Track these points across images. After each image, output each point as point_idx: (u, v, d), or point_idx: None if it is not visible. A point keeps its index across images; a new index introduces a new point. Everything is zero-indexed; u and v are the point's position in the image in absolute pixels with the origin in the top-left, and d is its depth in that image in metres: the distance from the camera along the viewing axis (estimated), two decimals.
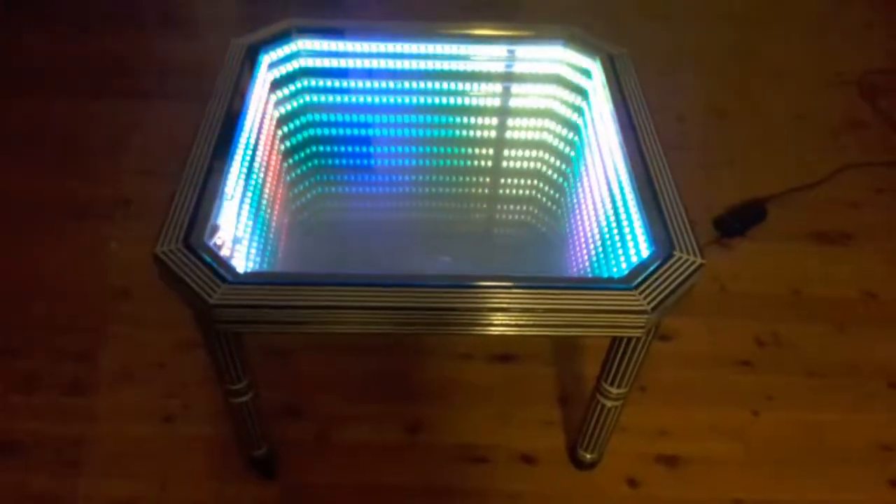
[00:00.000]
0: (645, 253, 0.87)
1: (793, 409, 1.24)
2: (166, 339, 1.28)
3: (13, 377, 1.24)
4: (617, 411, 1.01)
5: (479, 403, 1.23)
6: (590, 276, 1.02)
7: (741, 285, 1.44)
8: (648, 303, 0.80)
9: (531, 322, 0.82)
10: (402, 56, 1.20)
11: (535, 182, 1.29)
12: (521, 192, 1.30)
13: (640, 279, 0.82)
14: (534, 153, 1.29)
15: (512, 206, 1.32)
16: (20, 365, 1.26)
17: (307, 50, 1.18)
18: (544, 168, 1.28)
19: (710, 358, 1.31)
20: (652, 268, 0.83)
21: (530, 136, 1.28)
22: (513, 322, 0.82)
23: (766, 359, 1.31)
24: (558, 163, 1.26)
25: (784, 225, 1.56)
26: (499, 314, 0.81)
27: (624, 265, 0.94)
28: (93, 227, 1.49)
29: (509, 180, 1.32)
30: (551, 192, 1.25)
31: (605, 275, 0.97)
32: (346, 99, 1.24)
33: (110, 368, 1.25)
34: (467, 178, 1.31)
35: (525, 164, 1.30)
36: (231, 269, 0.81)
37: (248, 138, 1.04)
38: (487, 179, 1.32)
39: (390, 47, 1.19)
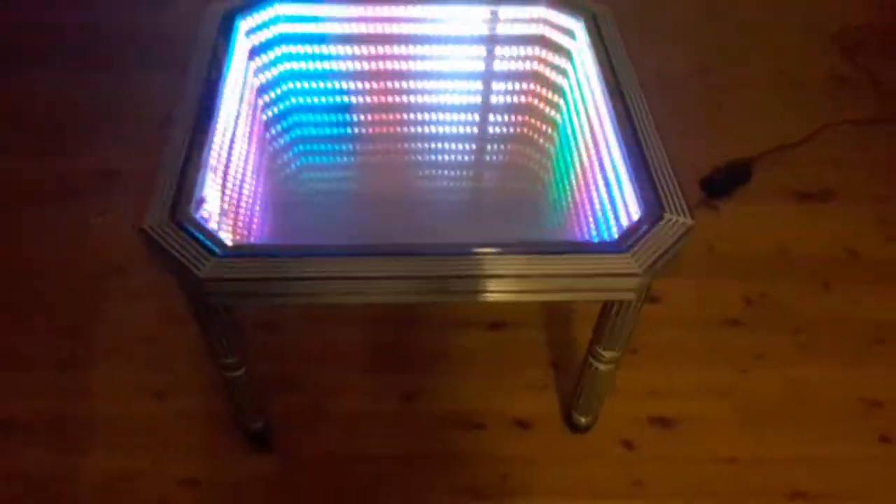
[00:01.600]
0: (635, 215, 0.87)
1: (781, 367, 1.25)
2: (156, 314, 1.27)
3: (5, 356, 1.23)
4: (610, 374, 1.02)
5: (472, 370, 1.23)
6: (581, 240, 1.02)
7: (728, 246, 1.44)
8: (640, 265, 0.80)
9: (524, 288, 0.82)
10: (381, 20, 1.18)
11: (522, 147, 1.27)
12: (507, 157, 1.29)
13: (630, 242, 0.82)
14: (519, 118, 1.27)
15: (499, 173, 1.31)
16: (12, 343, 1.25)
17: (285, 15, 1.16)
18: (530, 132, 1.27)
19: (698, 318, 1.32)
20: (642, 230, 0.83)
21: (515, 99, 1.26)
22: (506, 289, 0.82)
23: (754, 318, 1.33)
24: (545, 126, 1.25)
25: (769, 184, 1.57)
26: (492, 281, 0.81)
27: (614, 228, 0.93)
28: (79, 204, 1.47)
29: (495, 146, 1.30)
30: (538, 156, 1.24)
31: (596, 238, 0.97)
32: (326, 65, 1.22)
33: (102, 344, 1.24)
34: (452, 145, 1.29)
35: (510, 130, 1.28)
36: (220, 242, 0.80)
37: (229, 108, 1.01)
38: (473, 146, 1.30)
39: (370, 11, 1.17)
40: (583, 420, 1.13)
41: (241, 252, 0.81)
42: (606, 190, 0.97)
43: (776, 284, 1.38)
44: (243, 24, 1.10)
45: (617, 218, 0.92)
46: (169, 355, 1.23)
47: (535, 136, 1.26)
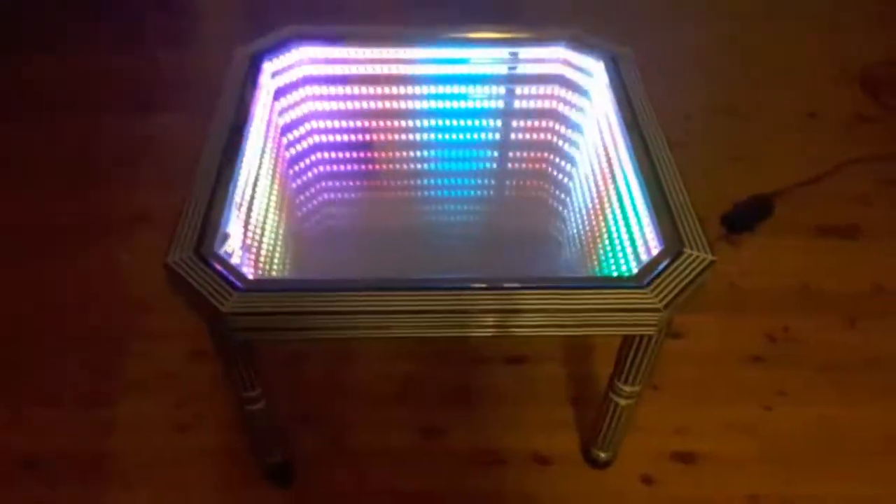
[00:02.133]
0: (655, 251, 0.87)
1: (806, 404, 1.23)
2: (179, 350, 1.28)
3: (31, 392, 1.24)
4: (630, 409, 1.01)
5: (492, 406, 1.22)
6: (601, 275, 1.02)
7: (750, 281, 1.44)
8: (660, 300, 0.80)
9: (545, 322, 0.82)
10: (404, 61, 1.21)
11: (542, 183, 1.29)
12: (527, 193, 1.30)
13: (651, 277, 0.82)
14: (539, 154, 1.29)
15: (519, 208, 1.32)
16: (38, 380, 1.26)
17: (309, 57, 1.19)
18: (550, 169, 1.28)
19: (721, 354, 1.30)
20: (662, 265, 0.83)
21: (535, 137, 1.28)
22: (527, 323, 0.82)
23: (778, 354, 1.31)
24: (564, 163, 1.26)
25: (792, 220, 1.56)
26: (513, 316, 0.81)
27: (634, 264, 0.94)
28: (105, 242, 1.50)
29: (515, 182, 1.32)
30: (558, 192, 1.26)
31: (617, 274, 0.97)
32: (349, 105, 1.24)
33: (126, 380, 1.26)
34: (473, 181, 1.31)
35: (530, 166, 1.30)
36: (242, 277, 0.81)
37: (255, 147, 1.04)
38: (493, 181, 1.32)
39: (392, 53, 1.20)
40: (602, 455, 1.12)
41: (263, 287, 0.83)
42: (626, 226, 0.97)
43: (800, 320, 1.36)
44: (268, 66, 1.14)
45: (637, 254, 0.92)
46: (191, 391, 1.24)
47: (555, 172, 1.27)
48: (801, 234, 1.54)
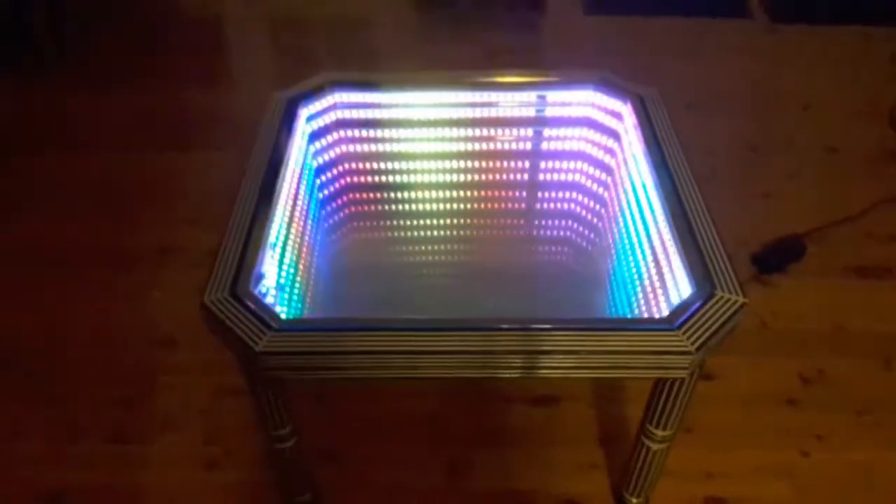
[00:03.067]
0: (686, 293, 0.87)
1: (843, 449, 1.21)
2: (207, 386, 1.30)
3: (58, 426, 1.26)
4: (663, 454, 1.00)
5: (520, 446, 1.22)
6: (631, 316, 1.02)
7: (782, 322, 1.42)
8: (692, 343, 0.80)
9: (574, 364, 0.82)
10: (434, 105, 1.23)
11: (571, 223, 1.29)
12: (557, 233, 1.31)
13: (682, 319, 0.82)
14: (568, 195, 1.30)
15: (549, 248, 1.33)
16: (64, 414, 1.28)
17: (342, 102, 1.22)
18: (579, 209, 1.29)
19: (754, 397, 1.28)
20: (694, 307, 0.83)
21: (564, 178, 1.29)
22: (557, 365, 0.82)
23: (812, 397, 1.29)
24: (593, 204, 1.27)
25: (823, 260, 1.55)
26: (541, 357, 0.81)
27: (664, 305, 0.93)
28: (137, 277, 1.53)
29: (545, 222, 1.32)
30: (587, 233, 1.26)
31: (647, 316, 0.97)
32: (380, 148, 1.27)
33: (153, 416, 1.27)
34: (503, 221, 1.32)
35: (560, 206, 1.30)
36: (276, 317, 0.82)
37: (289, 188, 1.06)
38: (523, 222, 1.33)
39: (422, 98, 1.22)
40: (634, 501, 1.10)
41: (295, 327, 0.84)
42: (656, 267, 0.97)
43: (834, 361, 1.34)
44: (304, 111, 1.17)
45: (667, 296, 0.92)
46: (220, 427, 1.24)
47: (584, 213, 1.28)
48: (834, 274, 1.53)
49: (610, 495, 1.15)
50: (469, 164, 1.28)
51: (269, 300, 0.89)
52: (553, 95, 1.22)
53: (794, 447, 1.21)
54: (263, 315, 0.82)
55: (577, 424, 1.25)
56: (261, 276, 0.91)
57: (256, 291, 0.87)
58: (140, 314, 1.45)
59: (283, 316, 0.84)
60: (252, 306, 0.83)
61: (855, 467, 1.18)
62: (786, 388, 1.30)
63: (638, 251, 1.05)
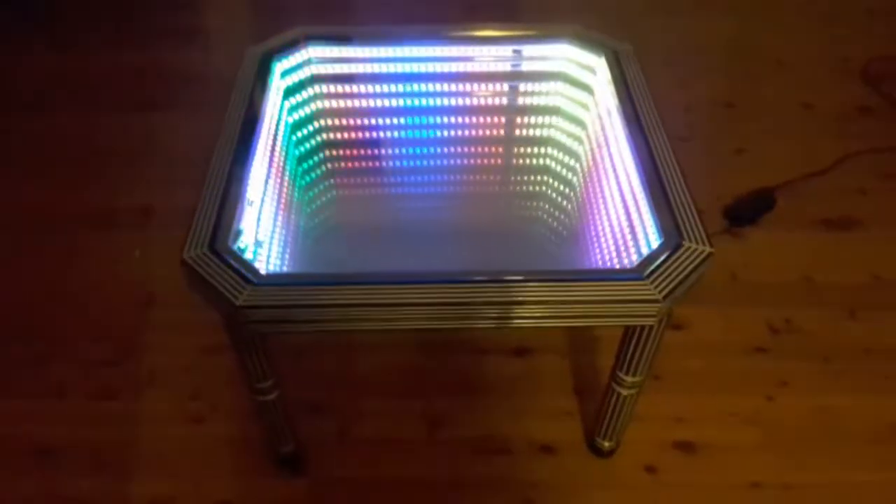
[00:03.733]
0: (655, 244, 0.89)
1: (808, 394, 1.26)
2: (191, 343, 1.32)
3: (44, 384, 1.28)
4: (632, 399, 1.04)
5: (497, 396, 1.25)
6: (602, 267, 1.05)
7: (752, 273, 1.46)
8: (659, 292, 0.83)
9: (546, 314, 0.85)
10: (409, 59, 1.23)
11: (545, 178, 1.31)
12: (531, 188, 1.32)
13: (650, 269, 0.84)
14: (542, 150, 1.31)
15: (523, 202, 1.35)
16: (50, 372, 1.29)
17: (317, 57, 1.21)
18: (553, 164, 1.30)
19: (723, 345, 1.33)
20: (662, 258, 0.85)
21: (538, 133, 1.30)
22: (528, 315, 0.85)
23: (780, 345, 1.33)
24: (567, 158, 1.28)
25: (793, 213, 1.58)
26: (517, 307, 0.84)
27: (635, 256, 0.96)
28: (116, 237, 1.53)
29: (519, 177, 1.34)
30: (561, 187, 1.28)
31: (617, 266, 1.00)
32: (356, 103, 1.27)
33: (138, 373, 1.29)
34: (478, 176, 1.34)
35: (534, 161, 1.32)
36: (255, 272, 0.84)
37: (265, 145, 1.07)
38: (497, 177, 1.34)
39: (398, 51, 1.22)
40: (606, 445, 1.15)
41: (275, 281, 0.86)
42: (627, 219, 1.00)
43: (801, 312, 1.39)
44: (279, 66, 1.16)
45: (637, 247, 0.95)
46: (204, 383, 1.27)
47: (558, 167, 1.30)
48: (803, 226, 1.56)
49: (583, 441, 1.19)
50: (445, 118, 1.29)
51: (248, 256, 0.91)
52: (529, 49, 1.23)
53: (760, 393, 1.26)
54: (243, 270, 0.84)
55: (551, 375, 1.29)
56: (239, 233, 0.92)
57: (235, 247, 0.88)
58: (121, 274, 1.46)
59: (262, 271, 0.86)
60: (231, 261, 0.85)
61: (817, 411, 1.23)
62: (754, 337, 1.34)
63: (610, 204, 1.07)
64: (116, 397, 1.26)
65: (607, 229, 1.06)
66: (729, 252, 1.48)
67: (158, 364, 1.30)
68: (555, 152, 1.29)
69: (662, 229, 0.89)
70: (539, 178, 1.31)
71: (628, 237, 0.99)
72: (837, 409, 1.24)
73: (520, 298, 0.83)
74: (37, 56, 2.06)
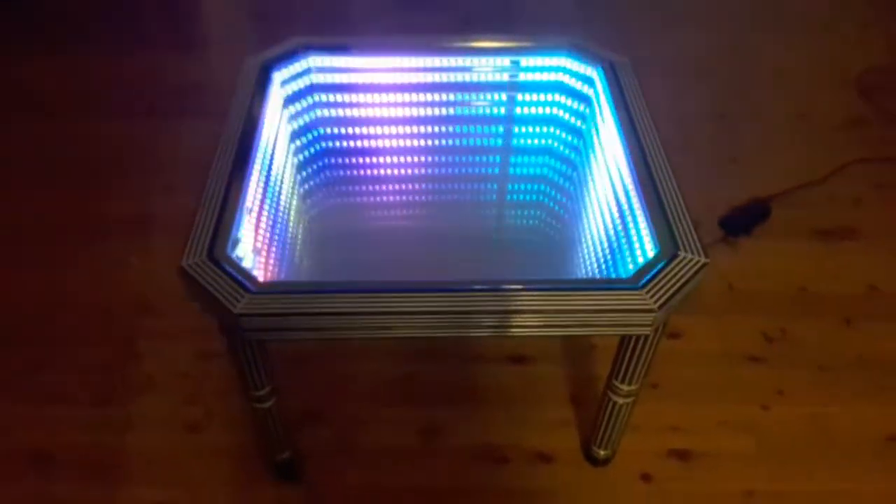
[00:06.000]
0: (651, 253, 0.90)
1: (803, 404, 1.26)
2: (188, 350, 1.32)
3: (40, 390, 1.28)
4: (628, 408, 1.04)
5: (494, 405, 1.26)
6: (598, 277, 1.06)
7: (748, 283, 1.46)
8: (655, 301, 0.83)
9: (544, 323, 0.85)
10: (408, 70, 1.24)
11: (543, 187, 1.32)
12: (528, 197, 1.34)
13: (646, 279, 0.85)
14: (540, 159, 1.32)
15: (520, 212, 1.36)
16: (46, 378, 1.29)
17: (317, 66, 1.22)
18: (551, 174, 1.31)
19: (719, 354, 1.33)
20: (657, 268, 0.86)
21: (536, 142, 1.31)
22: (526, 324, 0.85)
23: (775, 354, 1.34)
24: (564, 168, 1.29)
25: (788, 223, 1.59)
26: (513, 316, 0.84)
27: (631, 266, 0.97)
28: (114, 244, 1.53)
29: (517, 186, 1.35)
30: (558, 196, 1.29)
31: (613, 276, 1.00)
32: (355, 112, 1.28)
33: (134, 379, 1.29)
34: (475, 186, 1.34)
35: (532, 171, 1.33)
36: (253, 280, 0.84)
37: (264, 153, 1.08)
38: (495, 186, 1.35)
39: (397, 62, 1.23)
40: (602, 453, 1.15)
41: (273, 289, 0.86)
42: (623, 229, 1.00)
43: (797, 321, 1.39)
44: (278, 76, 1.17)
45: (633, 256, 0.96)
46: (200, 390, 1.27)
47: (556, 177, 1.31)
48: (798, 236, 1.57)
49: (580, 449, 1.19)
50: (443, 128, 1.30)
51: (246, 264, 0.91)
52: (526, 61, 1.24)
53: (756, 402, 1.26)
54: (241, 278, 0.84)
55: (548, 383, 1.29)
56: (237, 241, 0.92)
57: (233, 255, 0.89)
58: (118, 281, 1.46)
59: (260, 279, 0.86)
60: (229, 269, 0.85)
61: (812, 420, 1.24)
62: (750, 346, 1.35)
63: (607, 214, 1.08)
64: (112, 403, 1.26)
65: (603, 238, 1.07)
66: (724, 262, 1.48)
67: (154, 370, 1.30)
68: (552, 161, 1.30)
69: (658, 239, 0.90)
70: (536, 187, 1.32)
71: (624, 247, 0.99)
72: (832, 418, 1.24)
73: (516, 307, 0.84)
74: (37, 63, 2.06)
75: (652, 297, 0.84)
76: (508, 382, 1.29)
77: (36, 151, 1.78)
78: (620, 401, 1.02)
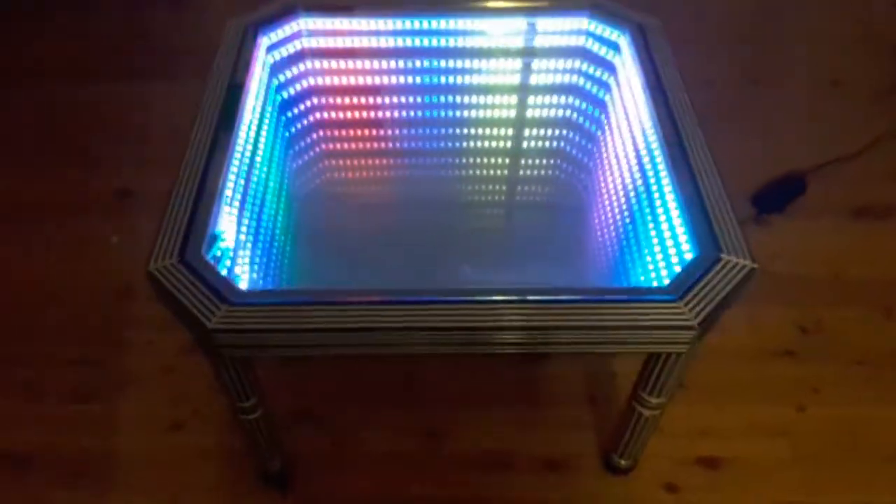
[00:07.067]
0: (688, 256, 0.78)
1: (841, 403, 1.16)
2: (173, 341, 1.22)
3: (17, 386, 1.19)
4: (655, 420, 0.94)
5: (501, 406, 1.16)
6: (626, 283, 0.94)
7: (781, 266, 1.34)
8: (695, 316, 0.72)
9: (558, 341, 0.74)
10: (411, 33, 1.11)
11: (560, 162, 1.20)
12: (544, 172, 1.22)
13: (684, 289, 0.73)
14: (557, 132, 1.20)
15: (534, 189, 1.24)
16: (23, 373, 1.20)
17: (308, 30, 1.09)
18: (569, 149, 1.19)
19: (751, 349, 1.23)
20: (697, 275, 0.75)
21: (553, 114, 1.19)
22: (536, 341, 0.74)
23: (811, 348, 1.23)
24: (585, 144, 1.17)
25: (824, 199, 1.47)
26: (522, 333, 0.73)
27: (662, 264, 0.85)
28: (93, 223, 1.43)
29: (531, 161, 1.24)
30: (578, 174, 1.17)
31: (643, 283, 0.88)
32: (352, 81, 1.15)
33: (116, 374, 1.20)
34: (487, 160, 1.23)
35: (548, 144, 1.21)
36: (232, 289, 0.73)
37: (247, 131, 0.95)
38: (508, 162, 1.24)
39: (398, 24, 1.10)
40: (623, 463, 1.05)
41: (254, 300, 0.74)
42: (654, 225, 0.88)
43: (833, 311, 1.28)
44: (264, 41, 1.04)
45: (667, 259, 0.84)
46: (185, 386, 1.17)
47: (576, 153, 1.18)
48: (834, 214, 1.45)
49: (597, 454, 1.10)
50: (450, 98, 1.17)
51: (224, 266, 0.80)
52: (543, 23, 1.10)
53: (790, 403, 1.16)
54: (218, 286, 0.73)
55: (563, 381, 1.19)
56: (215, 237, 0.81)
57: (210, 256, 0.77)
58: (97, 263, 1.36)
59: (240, 286, 0.75)
60: (205, 275, 0.74)
61: (851, 422, 1.14)
62: (784, 339, 1.24)
63: (634, 204, 0.96)
64: (92, 400, 1.17)
65: (630, 234, 0.95)
66: (756, 242, 1.34)
67: (137, 364, 1.21)
68: (572, 136, 1.18)
69: (697, 239, 0.78)
70: (553, 162, 1.19)
71: (655, 246, 0.87)
72: (873, 420, 1.14)
73: (528, 323, 0.72)
74: (13, 22, 1.92)
75: (692, 310, 0.72)
76: (517, 381, 1.18)
77: (6, 120, 1.65)
78: (647, 413, 0.91)
